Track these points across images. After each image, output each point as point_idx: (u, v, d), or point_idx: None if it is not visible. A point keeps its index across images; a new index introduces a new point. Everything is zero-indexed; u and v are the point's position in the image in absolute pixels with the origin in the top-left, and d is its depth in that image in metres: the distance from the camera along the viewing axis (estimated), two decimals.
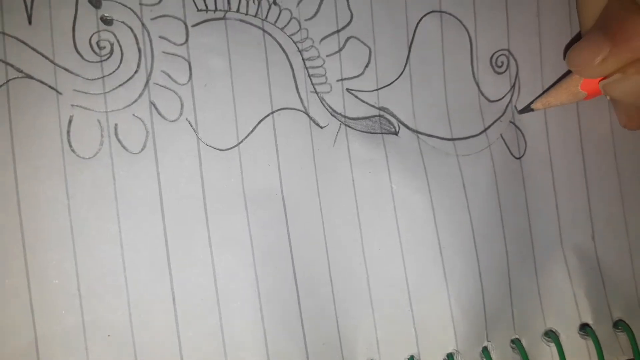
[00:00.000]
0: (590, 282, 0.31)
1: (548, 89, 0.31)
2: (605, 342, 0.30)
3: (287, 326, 0.27)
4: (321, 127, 0.29)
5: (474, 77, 0.31)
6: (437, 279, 0.29)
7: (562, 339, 0.30)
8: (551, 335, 0.30)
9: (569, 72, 0.30)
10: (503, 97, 0.31)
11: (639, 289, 0.32)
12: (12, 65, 0.24)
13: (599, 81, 0.28)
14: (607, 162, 0.33)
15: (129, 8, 0.26)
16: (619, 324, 0.31)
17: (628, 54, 0.26)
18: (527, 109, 0.31)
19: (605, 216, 0.32)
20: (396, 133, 0.30)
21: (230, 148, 0.27)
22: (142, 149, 0.26)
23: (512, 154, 0.31)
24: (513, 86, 0.32)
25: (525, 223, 0.31)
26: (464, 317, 0.29)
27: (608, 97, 0.29)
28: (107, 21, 0.26)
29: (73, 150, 0.25)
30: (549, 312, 0.31)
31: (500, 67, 0.31)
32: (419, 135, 0.30)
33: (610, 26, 0.26)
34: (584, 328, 0.31)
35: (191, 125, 0.27)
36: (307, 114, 0.29)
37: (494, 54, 0.31)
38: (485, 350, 0.29)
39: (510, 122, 0.32)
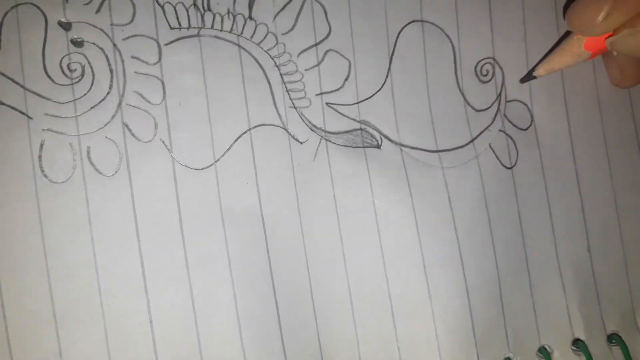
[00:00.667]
0: (585, 295, 0.31)
1: (548, 53, 0.30)
2: (599, 357, 0.29)
3: (268, 346, 0.27)
4: (301, 143, 0.28)
5: (458, 86, 0.30)
6: (420, 296, 0.28)
7: (555, 356, 0.29)
8: (543, 352, 0.29)
9: (568, 33, 0.29)
10: (490, 106, 0.31)
11: (635, 301, 0.31)
12: None
13: (605, 38, 0.27)
14: (600, 169, 0.32)
15: (100, 29, 0.26)
16: (613, 338, 0.30)
17: (633, 6, 0.25)
18: (529, 76, 0.30)
19: (601, 226, 0.31)
20: (378, 146, 0.29)
21: (207, 167, 0.27)
22: (115, 172, 0.26)
23: (502, 164, 0.30)
24: (499, 95, 0.31)
25: (518, 236, 0.30)
26: (449, 335, 0.28)
27: (615, 53, 0.28)
28: (77, 43, 0.26)
29: (45, 175, 0.25)
30: (543, 328, 0.30)
31: (485, 75, 0.31)
32: (402, 147, 0.29)
33: None
34: (577, 343, 0.30)
35: (165, 146, 0.26)
36: (286, 130, 0.28)
37: (478, 62, 0.30)
38: None
39: (500, 130, 0.31)
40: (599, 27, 0.26)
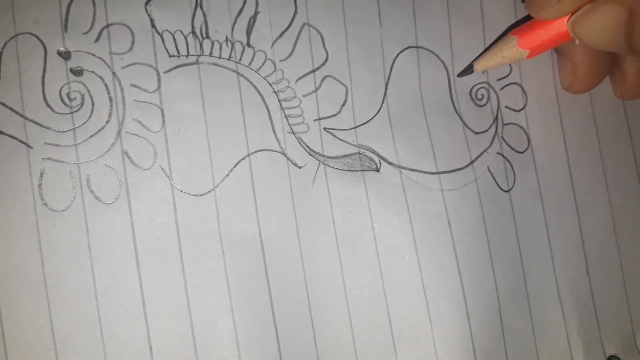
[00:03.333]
0: (584, 318, 0.31)
1: (487, 49, 0.30)
2: None
3: None
4: (299, 167, 0.28)
5: (455, 110, 0.30)
6: (421, 321, 0.28)
7: None
8: None
9: (505, 32, 0.29)
10: (488, 129, 0.31)
11: (634, 323, 0.31)
12: None
13: (567, 20, 0.26)
14: (598, 191, 0.32)
15: (99, 58, 0.26)
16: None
17: None
18: (468, 70, 0.29)
19: (599, 248, 0.31)
20: (377, 170, 0.29)
21: (206, 193, 0.27)
22: (115, 199, 0.26)
23: (500, 187, 0.31)
24: (496, 118, 0.31)
25: (516, 259, 0.30)
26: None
27: (577, 41, 0.26)
28: (76, 72, 0.26)
29: (45, 204, 0.25)
30: (542, 352, 0.30)
31: (480, 99, 0.31)
32: (402, 170, 0.29)
33: None
34: None
35: (165, 172, 0.26)
36: (285, 155, 0.28)
37: (473, 87, 0.31)
38: None
39: (498, 153, 0.31)
40: (553, 9, 0.25)
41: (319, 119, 0.29)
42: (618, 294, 0.31)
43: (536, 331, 0.30)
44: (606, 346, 0.30)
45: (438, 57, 0.30)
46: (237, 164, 0.28)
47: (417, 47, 0.30)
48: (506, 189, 0.31)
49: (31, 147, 0.25)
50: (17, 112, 0.25)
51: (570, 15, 0.26)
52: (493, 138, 0.31)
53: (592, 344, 0.30)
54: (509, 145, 0.31)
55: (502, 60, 0.28)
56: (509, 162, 0.31)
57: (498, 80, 0.31)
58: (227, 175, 0.27)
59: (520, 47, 0.27)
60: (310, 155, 0.29)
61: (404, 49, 0.30)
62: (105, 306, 0.25)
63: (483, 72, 0.31)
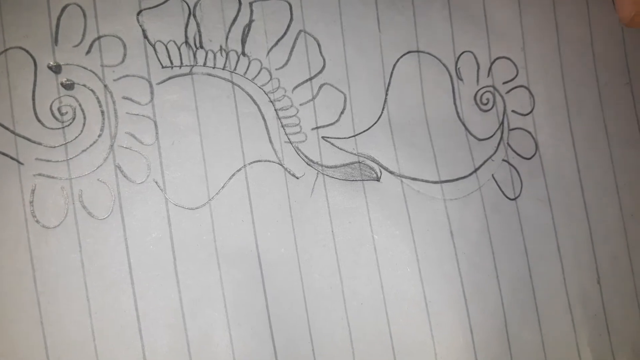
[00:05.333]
0: (595, 328, 0.29)
1: None
2: None
3: None
4: (297, 178, 0.28)
5: (458, 115, 0.30)
6: (423, 335, 0.27)
7: None
8: None
9: None
10: (493, 135, 0.30)
11: None
12: None
13: None
14: (609, 198, 0.31)
15: (90, 70, 0.26)
16: None
17: None
18: None
19: (610, 256, 0.30)
20: (378, 179, 0.28)
21: (201, 206, 0.26)
22: (108, 214, 0.25)
23: (505, 195, 0.30)
24: (502, 123, 0.30)
25: (524, 270, 0.29)
26: None
27: None
28: (67, 86, 0.25)
29: (37, 221, 0.25)
30: None
31: (485, 104, 0.30)
32: (403, 179, 0.29)
33: None
34: None
35: (159, 186, 0.26)
36: (282, 165, 0.28)
37: (477, 91, 0.30)
38: None
39: (504, 160, 0.30)
40: None
41: (317, 127, 0.28)
42: (630, 303, 0.30)
43: (545, 343, 0.29)
44: (617, 357, 0.29)
45: (440, 61, 0.29)
46: (233, 175, 0.27)
47: (418, 51, 0.29)
48: (512, 197, 0.30)
49: (22, 164, 0.25)
50: (7, 128, 0.25)
51: None
52: (498, 144, 0.30)
53: (603, 354, 0.29)
54: (514, 152, 0.30)
55: None
56: (515, 168, 0.30)
57: (504, 83, 0.30)
58: (222, 187, 0.27)
59: None
60: (309, 165, 0.28)
61: (405, 54, 0.29)
62: (100, 323, 0.25)
63: (488, 76, 0.30)
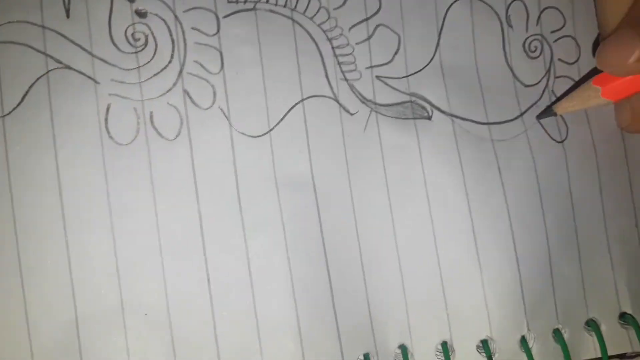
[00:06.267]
0: (632, 270, 0.30)
1: (568, 92, 0.30)
2: None
3: (319, 309, 0.27)
4: (351, 114, 0.29)
5: (507, 62, 0.31)
6: (471, 266, 0.29)
7: (603, 328, 0.29)
8: (592, 324, 0.29)
9: (588, 76, 0.29)
10: (539, 82, 0.31)
11: None
12: (52, 57, 0.26)
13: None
14: None
15: (162, 1, 0.27)
16: None
17: None
18: (548, 112, 0.30)
19: None
20: (429, 117, 0.30)
21: (262, 135, 0.28)
22: (176, 136, 0.27)
23: (552, 138, 0.31)
24: (548, 71, 0.31)
25: (569, 210, 0.30)
26: (499, 304, 0.28)
27: None
28: (141, 14, 0.27)
29: (111, 137, 0.26)
30: (591, 301, 0.30)
31: (534, 52, 0.31)
32: (454, 118, 0.30)
33: None
34: (624, 316, 0.30)
35: (224, 113, 0.27)
36: (337, 101, 0.29)
37: (526, 39, 0.31)
38: (523, 339, 0.29)
39: (548, 107, 0.31)
40: (629, 68, 0.25)
41: (371, 66, 0.29)
42: None
43: (585, 280, 0.30)
44: None
45: (492, 7, 0.30)
46: (291, 108, 0.28)
47: None
48: (559, 140, 0.31)
49: (98, 83, 0.26)
50: (85, 50, 0.26)
51: None
52: (543, 91, 0.31)
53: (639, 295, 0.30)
54: (559, 99, 0.31)
55: (584, 107, 0.29)
56: (560, 115, 0.31)
57: (552, 32, 0.31)
58: (282, 119, 0.28)
59: (603, 97, 0.28)
60: (362, 102, 0.29)
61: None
62: (166, 237, 0.26)
63: (537, 24, 0.31)
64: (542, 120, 0.31)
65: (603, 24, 0.29)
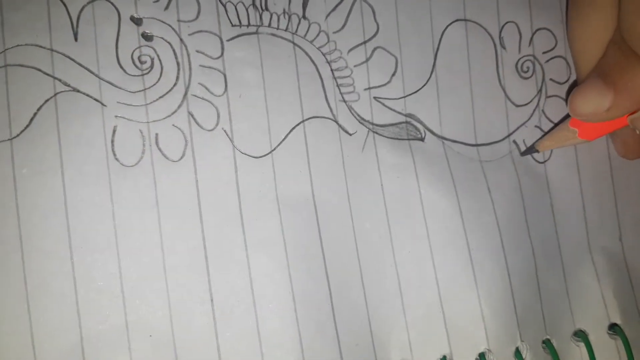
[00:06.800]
0: (619, 282, 0.32)
1: (549, 132, 0.32)
2: (635, 342, 0.30)
3: (321, 327, 0.28)
4: (350, 134, 0.30)
5: (499, 82, 0.32)
6: (467, 280, 0.29)
7: (592, 339, 0.31)
8: (580, 335, 0.30)
9: (567, 116, 0.31)
10: (530, 102, 0.32)
11: None
12: (59, 80, 0.26)
13: (627, 117, 0.27)
14: (634, 163, 0.33)
15: (168, 25, 0.28)
16: None
17: (632, 105, 0.25)
18: (531, 149, 0.31)
19: (632, 217, 0.33)
20: (422, 139, 0.31)
21: (264, 155, 0.28)
22: (181, 157, 0.27)
23: (534, 158, 0.32)
24: (540, 90, 0.32)
25: (551, 226, 0.32)
26: (494, 317, 0.29)
27: (638, 132, 0.28)
28: (147, 37, 0.27)
29: (117, 159, 0.27)
30: (578, 312, 0.31)
31: (526, 72, 0.32)
32: (444, 141, 0.31)
33: (611, 75, 0.25)
34: (613, 328, 0.31)
35: (227, 134, 0.28)
36: (337, 122, 0.30)
37: (519, 59, 0.32)
38: (517, 350, 0.29)
39: (536, 126, 0.32)
40: (600, 116, 0.26)
41: (369, 88, 0.30)
42: None
43: (570, 293, 0.31)
44: None
45: (486, 29, 0.31)
46: (292, 129, 0.29)
47: (465, 20, 0.31)
48: (541, 160, 0.32)
49: (105, 105, 0.27)
50: (92, 72, 0.27)
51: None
52: (533, 111, 0.32)
53: (628, 306, 0.32)
54: (548, 119, 0.32)
55: (564, 145, 0.31)
56: (546, 134, 0.32)
57: (544, 53, 0.32)
58: (283, 139, 0.29)
59: (580, 137, 0.29)
60: (361, 123, 0.30)
61: (453, 22, 0.31)
62: (171, 257, 0.27)
63: (529, 45, 0.32)
64: (526, 141, 0.32)
65: (577, 72, 0.30)
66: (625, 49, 0.25)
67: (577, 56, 0.28)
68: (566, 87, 0.33)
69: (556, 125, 0.32)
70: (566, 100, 0.32)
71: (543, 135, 0.32)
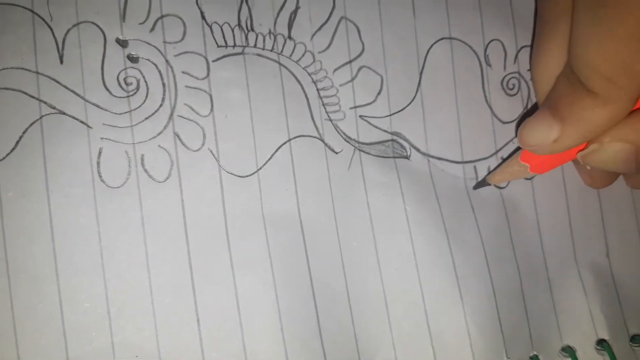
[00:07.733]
0: (606, 298, 0.32)
1: (501, 165, 0.31)
2: (622, 357, 0.30)
3: (308, 346, 0.28)
4: (336, 153, 0.30)
5: (485, 100, 0.32)
6: (452, 298, 0.30)
7: (579, 354, 0.31)
8: (568, 351, 0.30)
9: (518, 149, 0.31)
10: (517, 118, 0.32)
11: None
12: (45, 102, 0.26)
13: (577, 152, 0.27)
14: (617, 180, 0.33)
15: (154, 46, 0.28)
16: (636, 339, 0.31)
17: (580, 137, 0.25)
18: (483, 183, 0.31)
19: (619, 231, 0.33)
20: (407, 157, 0.31)
21: (250, 175, 0.29)
22: (167, 178, 0.27)
23: None
24: (526, 107, 0.33)
25: (536, 242, 0.32)
26: (480, 334, 0.29)
27: (589, 167, 0.28)
28: (133, 59, 0.28)
29: (103, 180, 0.27)
30: (565, 328, 0.31)
31: (511, 89, 0.32)
32: (429, 158, 0.31)
33: (559, 106, 0.25)
34: (601, 343, 0.31)
35: (213, 154, 0.28)
36: (323, 141, 0.30)
37: (504, 77, 0.32)
38: None
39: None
40: (549, 148, 0.26)
41: (355, 107, 0.31)
42: (638, 275, 0.32)
43: (557, 309, 0.31)
44: (629, 325, 0.32)
45: (471, 48, 0.32)
46: (278, 148, 0.29)
47: (450, 38, 0.31)
48: (528, 177, 0.32)
49: (91, 128, 0.27)
50: (78, 95, 0.27)
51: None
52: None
53: (616, 322, 0.32)
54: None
55: (515, 179, 0.31)
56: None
57: (529, 70, 0.32)
58: (269, 159, 0.29)
59: (532, 172, 0.29)
60: (346, 141, 0.30)
61: (438, 40, 0.31)
62: (157, 278, 0.27)
63: (514, 63, 0.32)
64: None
65: (537, 98, 0.29)
66: (574, 80, 0.25)
67: (534, 85, 0.28)
68: None
69: (507, 158, 0.32)
70: (516, 131, 0.32)
71: (495, 169, 0.31)
